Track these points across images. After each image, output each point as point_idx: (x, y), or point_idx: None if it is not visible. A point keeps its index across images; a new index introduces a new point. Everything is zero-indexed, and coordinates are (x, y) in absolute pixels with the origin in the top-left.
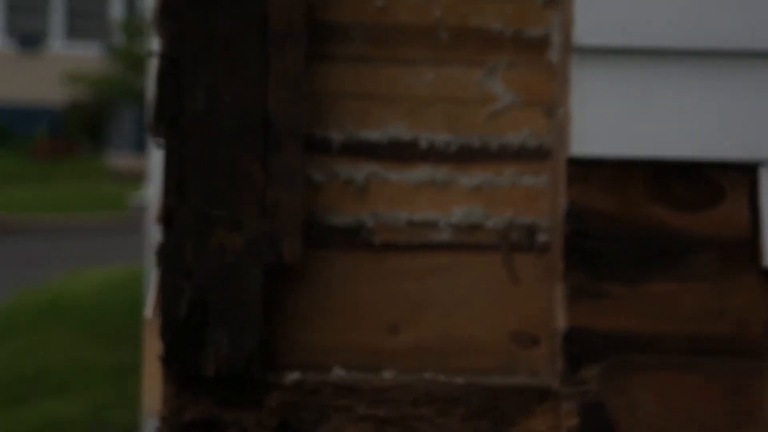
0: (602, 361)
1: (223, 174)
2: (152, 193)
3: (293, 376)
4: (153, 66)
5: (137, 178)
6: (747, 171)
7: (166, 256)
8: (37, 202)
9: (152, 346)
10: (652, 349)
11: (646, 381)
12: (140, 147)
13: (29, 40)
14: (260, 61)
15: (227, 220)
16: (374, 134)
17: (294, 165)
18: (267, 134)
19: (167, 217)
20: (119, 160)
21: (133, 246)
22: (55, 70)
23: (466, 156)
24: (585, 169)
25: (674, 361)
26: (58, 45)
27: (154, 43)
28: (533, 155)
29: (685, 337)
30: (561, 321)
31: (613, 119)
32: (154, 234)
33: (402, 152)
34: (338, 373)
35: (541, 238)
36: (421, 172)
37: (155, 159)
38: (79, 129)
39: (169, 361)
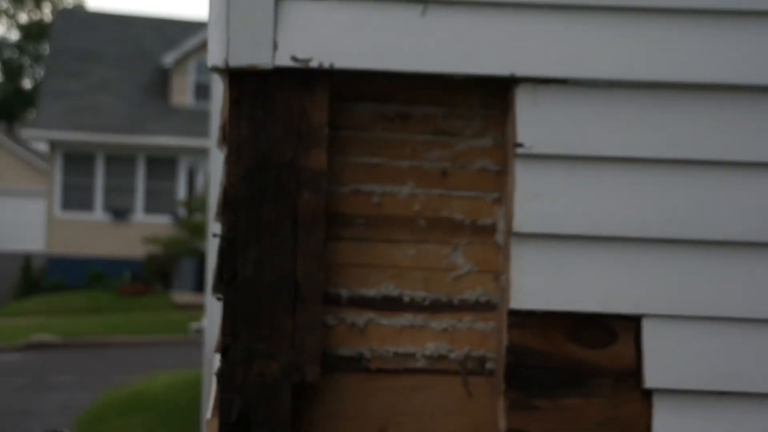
0: None
1: (265, 320)
2: (206, 321)
3: None
4: (215, 243)
5: (194, 309)
6: (633, 320)
7: (223, 378)
8: (122, 326)
9: None
10: None
11: None
12: (197, 287)
13: (119, 213)
14: (292, 241)
15: (266, 353)
16: (371, 291)
17: (314, 314)
18: (296, 293)
19: (224, 350)
20: (181, 296)
21: (192, 358)
22: (137, 234)
23: (436, 307)
24: (521, 319)
25: None
26: (139, 216)
27: (216, 227)
28: (484, 307)
29: None
30: (502, 425)
31: (541, 284)
32: (210, 356)
33: (391, 304)
34: None
35: (489, 366)
36: (404, 318)
37: (208, 298)
38: (154, 275)
39: None
